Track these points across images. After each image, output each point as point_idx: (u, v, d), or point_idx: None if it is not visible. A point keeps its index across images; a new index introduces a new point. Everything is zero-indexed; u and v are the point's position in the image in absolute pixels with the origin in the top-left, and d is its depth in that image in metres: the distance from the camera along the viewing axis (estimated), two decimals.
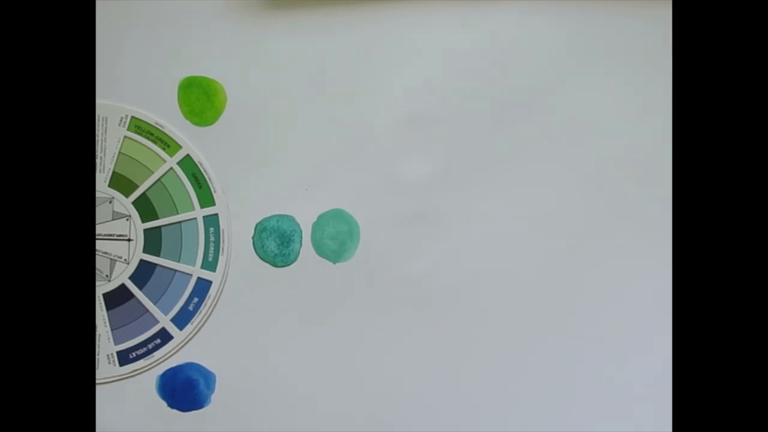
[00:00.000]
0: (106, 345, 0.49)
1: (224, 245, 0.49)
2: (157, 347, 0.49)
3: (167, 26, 0.48)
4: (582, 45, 0.48)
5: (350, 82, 0.48)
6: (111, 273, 0.49)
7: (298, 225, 0.49)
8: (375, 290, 0.49)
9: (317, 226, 0.49)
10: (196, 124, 0.49)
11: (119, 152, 0.49)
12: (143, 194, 0.49)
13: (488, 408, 0.49)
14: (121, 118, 0.49)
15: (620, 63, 0.48)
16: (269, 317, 0.49)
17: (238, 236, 0.49)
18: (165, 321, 0.49)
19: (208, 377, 0.49)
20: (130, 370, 0.49)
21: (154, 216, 0.49)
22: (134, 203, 0.49)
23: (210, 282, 0.49)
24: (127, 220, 0.49)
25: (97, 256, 0.49)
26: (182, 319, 0.49)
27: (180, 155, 0.49)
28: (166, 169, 0.49)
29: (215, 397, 0.49)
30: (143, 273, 0.49)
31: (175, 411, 0.49)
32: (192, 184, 0.49)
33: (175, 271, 0.49)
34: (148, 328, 0.49)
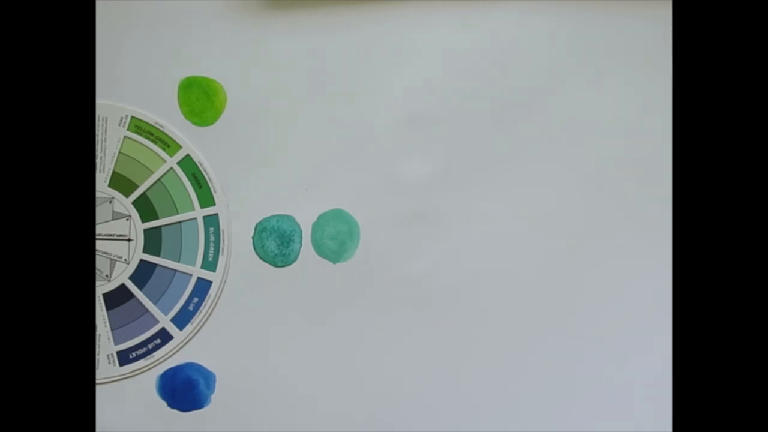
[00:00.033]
0: (106, 345, 0.49)
1: (224, 245, 0.49)
2: (157, 347, 0.49)
3: (167, 26, 0.48)
4: (582, 45, 0.48)
5: (350, 82, 0.48)
6: (111, 273, 0.49)
7: (298, 225, 0.49)
8: (375, 290, 0.49)
9: (317, 226, 0.49)
10: (196, 124, 0.49)
11: (119, 152, 0.49)
12: (143, 194, 0.49)
13: (488, 408, 0.49)
14: (121, 118, 0.49)
15: (620, 63, 0.48)
16: (269, 317, 0.49)
17: (238, 236, 0.49)
18: (165, 321, 0.49)
19: (208, 377, 0.49)
20: (130, 370, 0.49)
21: (154, 216, 0.49)
22: (134, 203, 0.49)
23: (210, 282, 0.49)
24: (127, 220, 0.49)
25: (97, 256, 0.49)
26: (182, 319, 0.49)
27: (180, 155, 0.49)
28: (166, 169, 0.49)
29: (215, 397, 0.49)
30: (143, 273, 0.49)
31: (175, 411, 0.49)
32: (192, 184, 0.49)
33: (175, 271, 0.49)
34: (148, 328, 0.49)
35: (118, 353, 0.49)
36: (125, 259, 0.49)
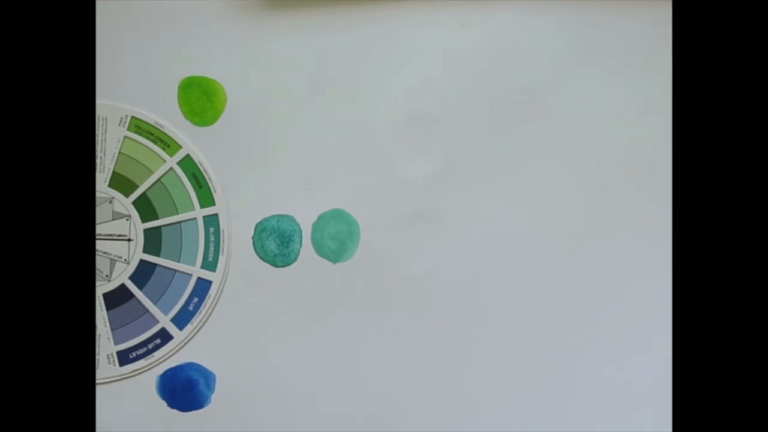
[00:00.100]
0: (106, 345, 0.49)
1: (224, 245, 0.49)
2: (157, 347, 0.49)
3: (167, 26, 0.48)
4: (582, 45, 0.48)
5: (350, 82, 0.48)
6: (111, 273, 0.49)
7: (298, 225, 0.49)
8: (375, 290, 0.49)
9: (317, 226, 0.49)
10: (196, 124, 0.49)
11: (119, 152, 0.49)
12: (143, 194, 0.49)
13: (488, 408, 0.49)
14: (121, 118, 0.49)
15: (620, 63, 0.48)
16: (269, 317, 0.49)
17: (238, 236, 0.49)
18: (165, 321, 0.49)
19: (208, 377, 0.49)
20: (130, 370, 0.49)
21: (154, 216, 0.49)
22: (134, 203, 0.49)
23: (210, 282, 0.49)
24: (127, 220, 0.49)
25: (97, 256, 0.49)
26: (182, 319, 0.49)
27: (180, 155, 0.49)
28: (166, 169, 0.49)
29: (215, 397, 0.49)
30: (143, 273, 0.49)
31: (175, 411, 0.49)
32: (192, 184, 0.49)
33: (175, 271, 0.49)
34: (148, 328, 0.49)
35: (118, 353, 0.49)
36: (125, 259, 0.49)
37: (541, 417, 0.48)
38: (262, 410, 0.49)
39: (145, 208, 0.49)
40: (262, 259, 0.49)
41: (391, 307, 0.49)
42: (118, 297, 0.49)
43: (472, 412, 0.49)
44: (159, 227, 0.49)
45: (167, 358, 0.49)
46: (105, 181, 0.49)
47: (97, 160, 0.49)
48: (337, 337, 0.49)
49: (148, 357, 0.49)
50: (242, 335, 0.49)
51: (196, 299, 0.49)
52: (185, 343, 0.49)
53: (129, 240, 0.49)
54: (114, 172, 0.49)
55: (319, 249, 0.49)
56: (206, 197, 0.49)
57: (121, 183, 0.49)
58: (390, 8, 0.48)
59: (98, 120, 0.49)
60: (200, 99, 0.48)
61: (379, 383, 0.49)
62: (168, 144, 0.49)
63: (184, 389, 0.49)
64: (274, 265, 0.49)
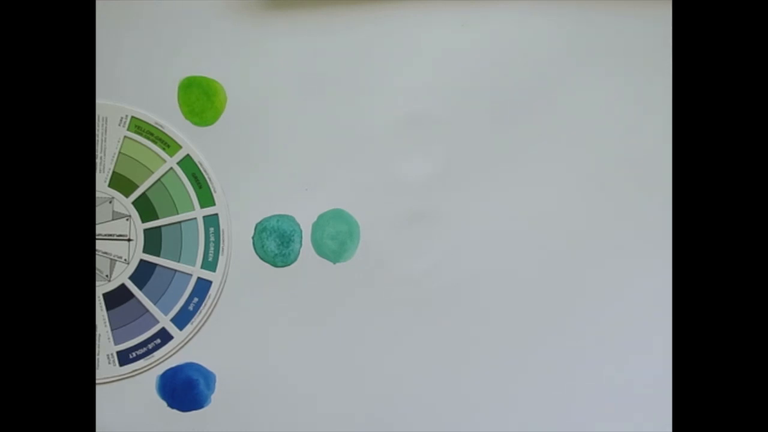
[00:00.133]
0: (106, 345, 0.49)
1: (224, 245, 0.49)
2: (157, 347, 0.49)
3: (167, 26, 0.48)
4: (582, 45, 0.48)
5: (350, 82, 0.48)
6: (111, 273, 0.49)
7: (298, 225, 0.49)
8: (375, 290, 0.49)
9: (317, 226, 0.49)
10: (196, 124, 0.49)
11: (119, 152, 0.49)
12: (143, 194, 0.49)
13: (488, 408, 0.49)
14: (121, 118, 0.49)
15: (620, 63, 0.48)
16: (269, 317, 0.49)
17: (238, 236, 0.49)
18: (165, 321, 0.49)
19: (208, 377, 0.49)
20: (130, 370, 0.49)
21: (154, 216, 0.49)
22: (134, 203, 0.49)
23: (210, 282, 0.49)
24: (127, 220, 0.49)
25: (97, 256, 0.49)
26: (182, 319, 0.49)
27: (180, 155, 0.49)
28: (166, 169, 0.49)
29: (215, 397, 0.49)
30: (143, 273, 0.49)
31: (175, 411, 0.49)
32: (192, 184, 0.49)
33: (175, 271, 0.49)
34: (148, 328, 0.49)
35: (118, 353, 0.49)
36: (125, 259, 0.49)
37: (541, 417, 0.48)
38: (262, 410, 0.49)
39: (145, 208, 0.49)
40: (262, 259, 0.49)
41: (391, 307, 0.49)
42: (118, 297, 0.49)
43: (472, 412, 0.49)
44: (159, 227, 0.49)
45: (167, 358, 0.49)
46: (105, 181, 0.49)
47: (97, 160, 0.49)
48: (337, 337, 0.49)
49: (148, 357, 0.49)
50: (242, 335, 0.49)
51: (196, 299, 0.49)
52: (185, 343, 0.49)
53: (129, 240, 0.49)
54: (114, 172, 0.49)
55: (319, 249, 0.49)
56: (206, 197, 0.49)
57: (121, 183, 0.49)
58: (390, 8, 0.48)
59: (98, 120, 0.49)
60: (200, 99, 0.48)
61: (379, 383, 0.49)
62: (168, 144, 0.49)
63: (184, 389, 0.49)
64: (274, 265, 0.49)
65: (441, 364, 0.49)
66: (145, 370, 0.49)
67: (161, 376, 0.49)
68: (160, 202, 0.49)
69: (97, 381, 0.49)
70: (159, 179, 0.49)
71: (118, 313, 0.49)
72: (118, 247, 0.49)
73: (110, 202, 0.49)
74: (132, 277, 0.49)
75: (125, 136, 0.49)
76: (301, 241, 0.49)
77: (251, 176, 0.49)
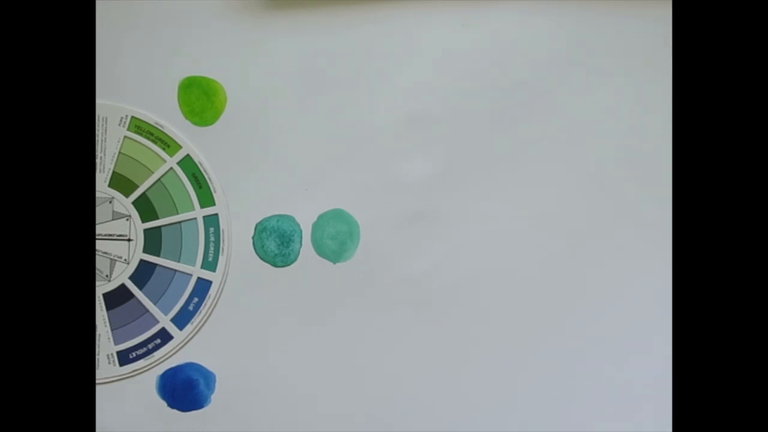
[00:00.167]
0: (106, 345, 0.49)
1: (224, 245, 0.49)
2: (157, 347, 0.49)
3: (167, 26, 0.48)
4: (582, 45, 0.48)
5: (350, 82, 0.48)
6: (111, 273, 0.49)
7: (298, 225, 0.49)
8: (375, 290, 0.49)
9: (317, 226, 0.49)
10: (196, 124, 0.49)
11: (119, 152, 0.49)
12: (143, 194, 0.49)
13: (488, 408, 0.49)
14: (121, 118, 0.49)
15: (620, 63, 0.48)
16: (269, 317, 0.49)
17: (238, 236, 0.49)
18: (165, 321, 0.49)
19: (208, 377, 0.49)
20: (130, 370, 0.49)
21: (154, 216, 0.49)
22: (134, 203, 0.49)
23: (210, 282, 0.49)
24: (127, 220, 0.49)
25: (97, 256, 0.49)
26: (182, 319, 0.49)
27: (180, 155, 0.49)
28: (166, 169, 0.49)
29: (215, 397, 0.49)
30: (143, 273, 0.49)
31: (175, 411, 0.49)
32: (192, 184, 0.49)
33: (175, 271, 0.49)
34: (148, 328, 0.49)
35: (118, 353, 0.49)
36: (125, 259, 0.49)
37: (541, 417, 0.48)
38: (262, 410, 0.49)
39: (145, 208, 0.49)
40: (262, 259, 0.49)
41: (391, 307, 0.49)
42: (118, 297, 0.49)
43: (472, 412, 0.49)
44: (159, 227, 0.49)
45: (167, 358, 0.49)
46: (105, 181, 0.49)
47: (97, 160, 0.49)
48: (337, 337, 0.49)
49: (148, 357, 0.49)
50: (242, 335, 0.49)
51: (196, 299, 0.49)
52: (185, 343, 0.49)
53: (129, 240, 0.49)
54: (114, 172, 0.49)
55: (319, 249, 0.49)
56: (206, 197, 0.49)
57: (121, 183, 0.49)
58: (390, 8, 0.48)
59: (98, 120, 0.49)
60: (200, 99, 0.48)
61: (379, 383, 0.49)
62: (168, 144, 0.49)
63: (184, 389, 0.49)
64: (274, 265, 0.49)
65: (441, 364, 0.49)
66: (145, 370, 0.49)
67: (161, 376, 0.49)
68: (160, 202, 0.49)
69: (97, 381, 0.49)
70: (159, 179, 0.49)
71: (118, 313, 0.49)
72: (118, 247, 0.49)
73: (110, 202, 0.49)
74: (132, 277, 0.49)
75: (125, 136, 0.49)
76: (301, 241, 0.49)
77: (251, 176, 0.49)
